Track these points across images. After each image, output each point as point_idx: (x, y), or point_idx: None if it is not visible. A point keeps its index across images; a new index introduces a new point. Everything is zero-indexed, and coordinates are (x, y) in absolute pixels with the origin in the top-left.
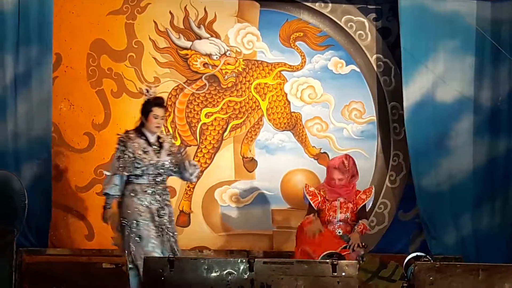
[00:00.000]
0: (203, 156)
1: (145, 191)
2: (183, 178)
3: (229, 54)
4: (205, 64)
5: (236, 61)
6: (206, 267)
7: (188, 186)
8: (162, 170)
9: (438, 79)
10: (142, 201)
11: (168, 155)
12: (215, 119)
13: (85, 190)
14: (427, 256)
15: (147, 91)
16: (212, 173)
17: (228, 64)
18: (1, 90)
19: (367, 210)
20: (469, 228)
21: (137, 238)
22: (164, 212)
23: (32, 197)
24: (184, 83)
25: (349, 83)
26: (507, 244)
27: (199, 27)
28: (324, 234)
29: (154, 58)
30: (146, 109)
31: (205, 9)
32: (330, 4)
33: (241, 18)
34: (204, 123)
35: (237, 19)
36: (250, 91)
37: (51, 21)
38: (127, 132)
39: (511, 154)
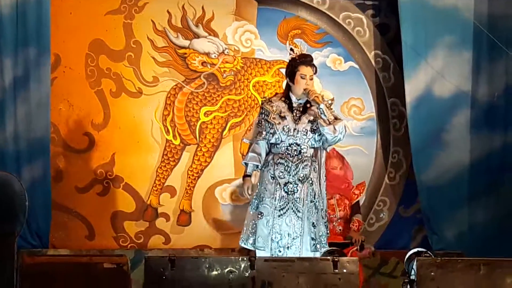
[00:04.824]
0: (203, 154)
1: (276, 162)
2: (329, 142)
3: (227, 52)
4: (203, 63)
5: (235, 59)
6: (207, 266)
7: (189, 185)
8: (300, 140)
9: (437, 74)
10: (271, 173)
11: (310, 122)
12: (214, 117)
13: (85, 191)
14: (428, 252)
15: (292, 50)
16: (212, 171)
17: (227, 62)
18: (0, 92)
19: (360, 205)
20: (471, 222)
21: (259, 215)
22: (294, 188)
23: (32, 198)
24: (182, 82)
25: (348, 80)
26: (507, 238)
27: (197, 25)
28: None
29: (153, 58)
30: (291, 70)
31: (202, 7)
32: (327, 1)
33: (239, 16)
34: (204, 122)
35: (235, 17)
36: (249, 89)
37: (49, 22)
38: (275, 94)
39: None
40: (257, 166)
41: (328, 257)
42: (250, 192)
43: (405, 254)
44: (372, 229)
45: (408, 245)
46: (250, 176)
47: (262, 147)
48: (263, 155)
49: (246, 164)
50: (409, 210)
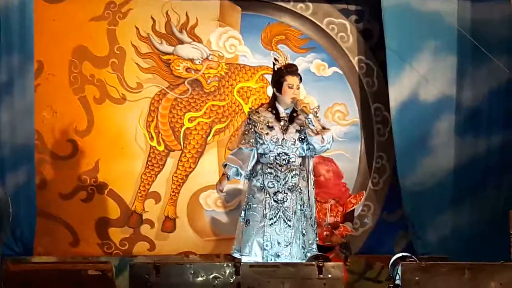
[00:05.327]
0: (187, 160)
1: (265, 172)
2: (316, 151)
3: (211, 58)
4: (187, 69)
5: (219, 65)
6: (192, 272)
7: (173, 191)
8: (288, 149)
9: (421, 79)
10: (260, 182)
11: (298, 131)
12: (198, 123)
13: (69, 197)
14: (413, 256)
15: (276, 60)
16: (196, 177)
17: (211, 68)
18: None
19: (355, 215)
20: (455, 226)
21: (247, 223)
22: (284, 197)
23: (16, 206)
24: (166, 88)
25: (331, 85)
26: (490, 242)
27: (181, 32)
28: None
29: (137, 64)
30: (278, 80)
31: (186, 14)
32: (311, 7)
33: (223, 22)
34: (188, 128)
35: (219, 23)
36: (233, 95)
37: (32, 29)
38: (261, 105)
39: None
40: (236, 170)
41: (313, 263)
42: (221, 188)
43: (389, 259)
44: (357, 234)
45: (393, 250)
46: (227, 176)
47: (244, 154)
48: (245, 161)
49: (225, 166)
50: (393, 215)
